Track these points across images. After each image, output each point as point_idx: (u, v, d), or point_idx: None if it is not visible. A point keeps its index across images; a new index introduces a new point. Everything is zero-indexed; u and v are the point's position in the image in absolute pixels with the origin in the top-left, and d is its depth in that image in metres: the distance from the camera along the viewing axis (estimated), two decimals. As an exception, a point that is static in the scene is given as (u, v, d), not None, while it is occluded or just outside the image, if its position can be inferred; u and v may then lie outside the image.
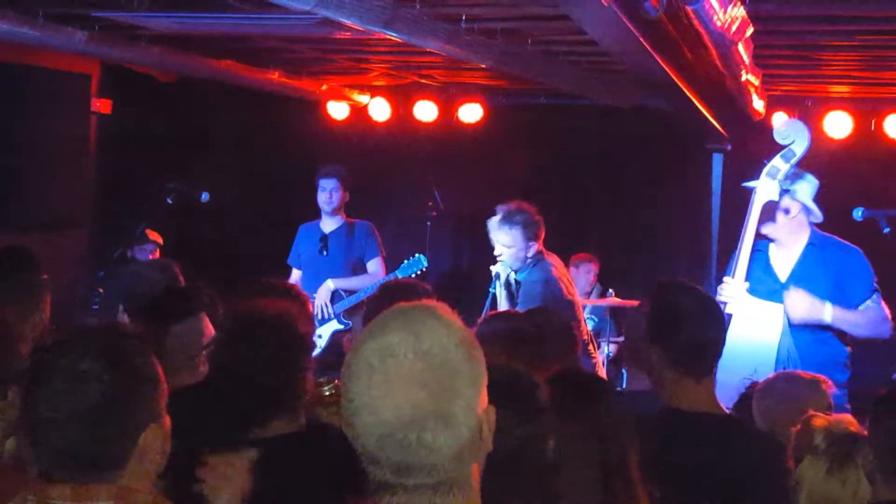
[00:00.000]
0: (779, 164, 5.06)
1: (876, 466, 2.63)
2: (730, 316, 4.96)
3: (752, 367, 4.57)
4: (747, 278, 5.09)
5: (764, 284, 5.12)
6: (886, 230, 5.38)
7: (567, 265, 8.09)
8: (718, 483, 2.80)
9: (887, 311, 5.06)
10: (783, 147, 5.07)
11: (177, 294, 3.91)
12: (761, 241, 5.25)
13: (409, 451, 1.70)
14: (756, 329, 4.93)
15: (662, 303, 3.19)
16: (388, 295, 3.97)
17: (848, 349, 5.08)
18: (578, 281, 7.97)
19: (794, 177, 5.11)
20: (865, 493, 2.74)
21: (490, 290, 6.01)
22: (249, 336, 2.91)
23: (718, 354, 3.13)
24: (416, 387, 1.70)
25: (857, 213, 5.44)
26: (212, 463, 2.74)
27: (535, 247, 5.87)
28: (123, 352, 2.14)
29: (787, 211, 5.12)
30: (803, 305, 4.91)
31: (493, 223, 5.90)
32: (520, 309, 5.52)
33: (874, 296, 5.05)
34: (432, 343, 1.73)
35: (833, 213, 5.55)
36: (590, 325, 7.09)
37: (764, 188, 5.06)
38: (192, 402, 3.10)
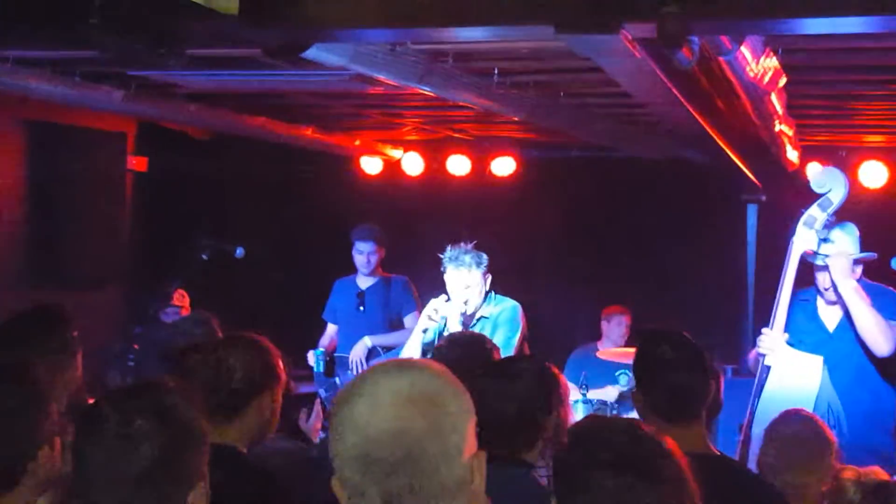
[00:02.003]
0: (816, 213, 5.00)
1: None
2: (768, 368, 4.91)
3: None
4: (794, 328, 5.04)
5: (812, 335, 5.07)
6: (925, 278, 5.32)
7: (600, 318, 8.07)
8: None
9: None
10: (819, 196, 5.03)
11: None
12: (809, 290, 5.20)
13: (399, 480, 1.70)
14: (795, 381, 4.87)
15: (643, 351, 3.24)
16: (458, 347, 4.00)
17: None
18: (611, 333, 7.91)
19: (831, 226, 5.07)
20: None
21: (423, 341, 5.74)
22: None
23: (702, 400, 3.13)
24: (407, 419, 1.71)
25: (895, 263, 5.38)
26: None
27: (489, 279, 5.80)
28: (173, 410, 2.14)
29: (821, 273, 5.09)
30: (843, 264, 4.91)
31: (456, 268, 5.73)
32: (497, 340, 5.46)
33: (893, 321, 5.00)
34: (422, 385, 1.75)
35: (871, 263, 5.50)
36: (624, 381, 7.01)
37: (801, 238, 5.01)
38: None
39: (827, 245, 5.05)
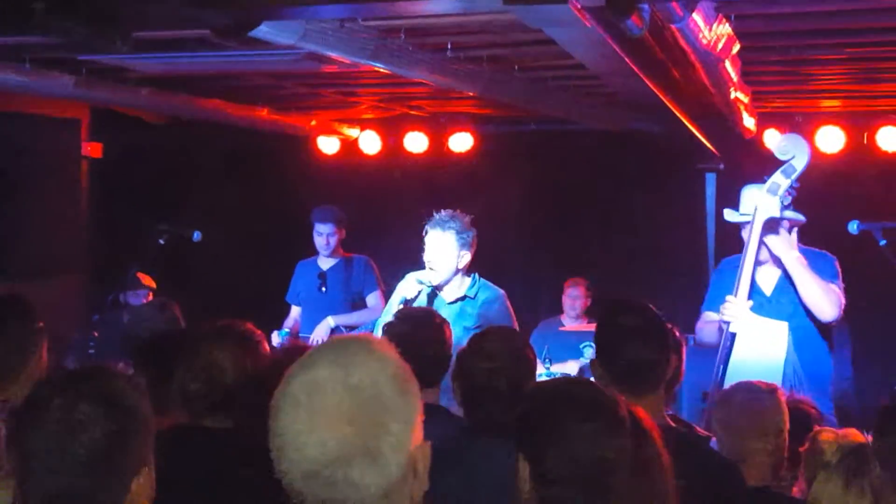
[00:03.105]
0: (779, 180, 5.01)
1: (884, 478, 2.58)
2: (733, 335, 4.92)
3: None
4: (728, 295, 5.06)
5: (751, 299, 5.10)
6: (882, 242, 5.35)
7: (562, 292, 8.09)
8: None
9: (843, 299, 5.04)
10: (783, 163, 5.04)
11: (182, 334, 3.91)
12: (740, 256, 5.24)
13: (334, 489, 1.65)
14: (762, 347, 4.88)
15: (605, 322, 3.22)
16: (408, 323, 3.96)
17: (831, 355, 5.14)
18: (566, 306, 7.94)
19: (794, 192, 5.09)
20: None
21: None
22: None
23: (661, 373, 3.12)
24: (342, 422, 1.66)
25: (853, 227, 5.41)
26: None
27: (467, 259, 5.63)
28: (118, 395, 2.10)
29: (789, 229, 5.12)
30: (781, 240, 4.97)
31: (433, 228, 5.66)
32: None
33: (836, 282, 5.06)
34: (362, 377, 1.69)
35: (828, 227, 5.53)
36: (588, 353, 7.02)
37: (765, 205, 5.02)
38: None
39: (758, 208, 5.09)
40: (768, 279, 5.18)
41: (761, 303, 5.06)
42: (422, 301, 5.59)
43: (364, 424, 1.66)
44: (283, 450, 1.69)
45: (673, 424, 3.15)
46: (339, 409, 1.66)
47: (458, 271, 5.63)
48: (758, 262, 5.14)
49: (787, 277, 5.11)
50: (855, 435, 3.16)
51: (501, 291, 5.73)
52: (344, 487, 1.65)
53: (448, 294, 5.61)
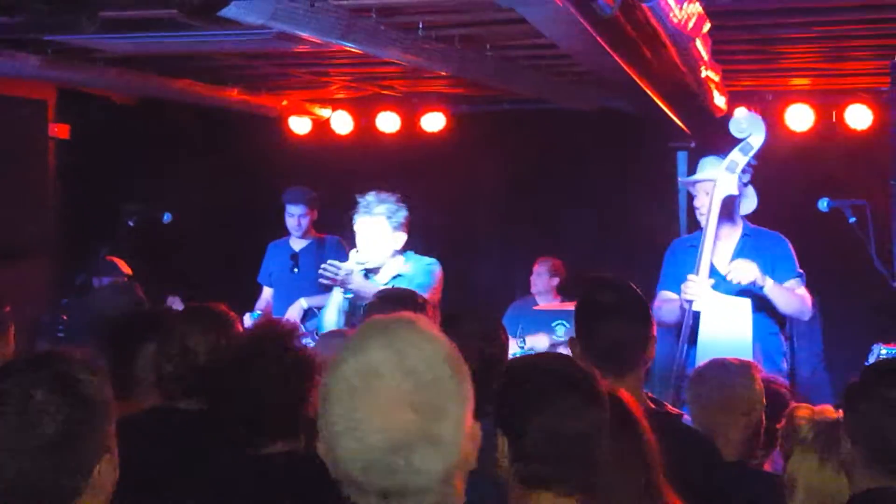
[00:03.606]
0: (737, 158, 5.04)
1: (855, 454, 2.60)
2: (697, 314, 4.95)
3: None
4: (683, 280, 5.09)
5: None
6: (852, 220, 5.40)
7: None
8: None
9: (808, 296, 5.15)
10: (739, 140, 5.06)
11: (145, 315, 3.90)
12: (695, 235, 5.29)
13: (396, 476, 1.61)
14: (728, 325, 4.91)
15: (584, 300, 3.19)
16: (389, 304, 3.94)
17: (786, 341, 5.25)
18: (535, 285, 7.94)
19: (751, 170, 5.13)
20: None
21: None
22: (260, 356, 2.90)
23: (640, 352, 3.10)
24: (403, 408, 1.61)
25: (823, 204, 5.46)
26: None
27: (402, 239, 5.59)
28: (77, 382, 2.07)
29: (697, 208, 5.18)
30: (751, 272, 4.96)
31: (362, 216, 5.57)
32: None
33: (798, 278, 5.15)
34: (418, 360, 1.64)
35: (798, 205, 5.57)
36: (561, 332, 7.03)
37: (723, 183, 5.04)
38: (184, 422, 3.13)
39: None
40: (723, 258, 5.21)
41: (717, 281, 5.10)
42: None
43: (424, 409, 1.62)
44: (338, 438, 1.64)
45: (651, 405, 3.14)
46: (398, 394, 1.62)
47: (394, 253, 5.61)
48: (700, 229, 5.20)
49: (742, 254, 5.17)
50: (830, 412, 3.18)
51: (432, 263, 5.69)
52: (406, 474, 1.61)
53: (382, 275, 5.59)
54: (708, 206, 5.10)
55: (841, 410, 2.97)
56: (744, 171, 5.07)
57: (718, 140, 8.01)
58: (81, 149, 8.20)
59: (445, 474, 1.64)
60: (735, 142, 5.07)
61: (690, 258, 5.16)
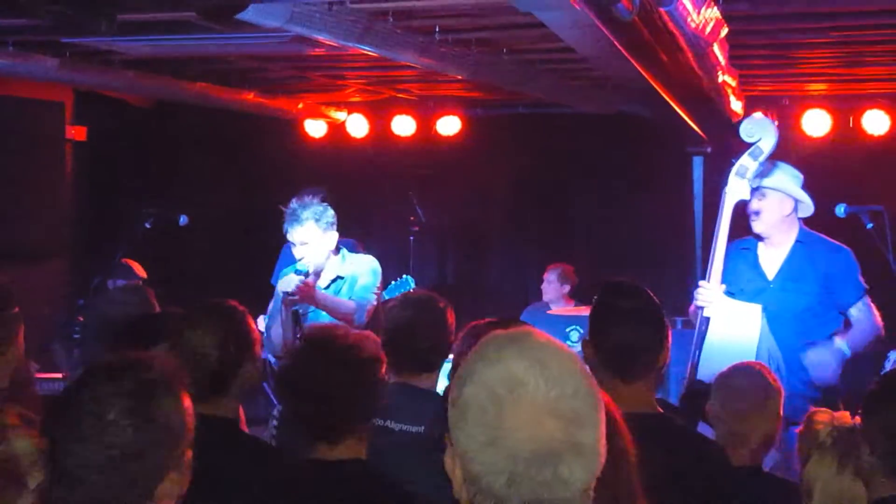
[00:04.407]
0: (747, 163, 5.00)
1: (873, 461, 2.59)
2: (707, 319, 4.92)
3: None
4: (734, 277, 5.05)
5: (752, 283, 5.10)
6: (869, 226, 5.36)
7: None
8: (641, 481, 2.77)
9: (876, 313, 5.06)
10: (749, 145, 5.03)
11: (154, 318, 3.88)
12: (749, 239, 5.23)
13: (542, 488, 1.56)
14: (734, 330, 4.88)
15: (600, 303, 3.17)
16: (411, 307, 3.93)
17: None
18: (547, 291, 7.93)
19: (766, 172, 5.09)
20: None
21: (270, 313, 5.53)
22: (326, 355, 2.95)
23: (651, 357, 3.07)
24: (550, 417, 1.57)
25: (840, 210, 5.41)
26: None
27: (335, 237, 5.54)
28: (153, 398, 2.06)
29: (757, 212, 5.12)
30: (829, 363, 4.93)
31: (291, 225, 5.49)
32: (358, 305, 5.41)
33: (864, 298, 5.06)
34: (559, 370, 1.61)
35: (816, 211, 5.53)
36: (575, 337, 7.03)
37: (734, 188, 5.01)
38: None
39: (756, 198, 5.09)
40: (772, 265, 5.16)
41: (762, 288, 5.07)
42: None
43: (569, 417, 1.58)
44: (480, 451, 1.59)
45: (661, 411, 3.13)
46: (545, 402, 1.58)
47: (330, 253, 5.58)
48: (759, 240, 5.14)
49: (791, 264, 5.11)
50: (848, 418, 3.17)
51: (373, 261, 5.68)
52: (553, 485, 1.57)
53: (322, 280, 5.58)
54: (765, 215, 5.08)
55: (858, 417, 2.96)
56: (756, 176, 5.03)
57: (735, 145, 8.03)
58: (98, 151, 8.24)
59: (587, 484, 1.61)
60: (746, 146, 5.04)
61: (744, 261, 5.14)
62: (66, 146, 8.19)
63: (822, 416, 3.06)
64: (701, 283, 4.98)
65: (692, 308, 5.20)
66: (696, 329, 4.96)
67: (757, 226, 5.15)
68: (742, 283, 5.09)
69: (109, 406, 2.02)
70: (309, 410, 2.92)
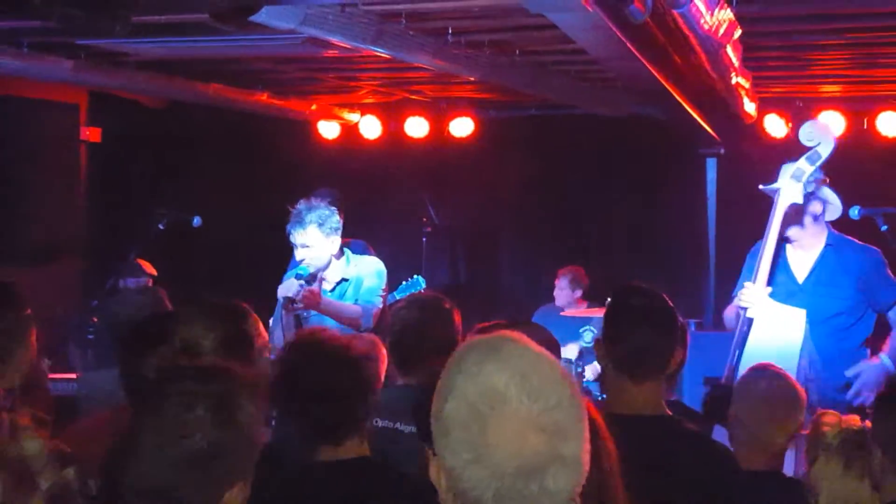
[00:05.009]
0: (804, 167, 4.98)
1: (885, 463, 2.58)
2: (750, 321, 4.91)
3: None
4: (747, 281, 5.04)
5: (782, 286, 5.08)
6: (884, 228, 5.34)
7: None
8: (647, 484, 2.76)
9: None
10: (808, 149, 5.01)
11: (166, 318, 3.88)
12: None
13: (530, 499, 1.57)
14: (778, 334, 4.86)
15: (613, 303, 3.19)
16: (417, 309, 3.93)
17: (868, 350, 5.11)
18: (559, 297, 7.91)
19: (818, 180, 5.06)
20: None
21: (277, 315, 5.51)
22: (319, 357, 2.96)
23: (664, 360, 3.07)
24: (534, 431, 1.57)
25: (854, 212, 5.40)
26: None
27: (338, 242, 5.57)
28: (237, 407, 2.08)
29: (815, 216, 5.10)
30: (877, 377, 4.92)
31: (294, 228, 5.55)
32: (364, 310, 5.42)
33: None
34: (541, 381, 1.60)
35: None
36: (588, 337, 7.02)
37: (788, 190, 4.99)
38: None
39: (816, 202, 5.05)
40: (802, 265, 5.14)
41: (792, 291, 5.06)
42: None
43: (552, 431, 1.58)
44: (466, 467, 1.58)
45: (669, 413, 3.13)
46: (528, 417, 1.57)
47: (332, 257, 5.60)
48: (789, 242, 5.12)
49: (822, 267, 5.09)
50: (857, 420, 3.16)
51: (378, 263, 5.71)
52: (539, 498, 1.57)
53: (327, 283, 5.59)
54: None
55: (868, 420, 2.95)
56: (811, 181, 5.01)
57: (748, 147, 8.02)
58: (112, 152, 8.26)
59: (572, 493, 1.61)
60: (803, 150, 5.01)
61: (772, 262, 5.14)
62: (80, 147, 8.22)
63: (830, 417, 3.06)
64: (746, 284, 4.96)
65: (731, 309, 5.15)
66: (735, 330, 4.94)
67: (787, 229, 5.14)
68: (772, 285, 5.07)
69: (196, 402, 2.04)
70: (307, 412, 2.93)
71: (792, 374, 4.63)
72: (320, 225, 5.50)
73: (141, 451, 2.03)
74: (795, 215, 5.06)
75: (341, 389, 2.91)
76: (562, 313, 7.60)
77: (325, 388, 2.91)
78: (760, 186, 5.11)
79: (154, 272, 6.98)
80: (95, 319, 6.02)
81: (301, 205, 5.58)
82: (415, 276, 7.26)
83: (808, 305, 4.96)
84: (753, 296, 4.90)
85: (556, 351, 3.74)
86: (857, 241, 5.21)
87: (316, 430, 2.93)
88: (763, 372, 3.76)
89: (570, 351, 6.90)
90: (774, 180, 5.06)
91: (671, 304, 3.15)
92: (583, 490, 1.70)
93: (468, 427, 1.59)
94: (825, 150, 4.98)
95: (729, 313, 5.20)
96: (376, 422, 3.65)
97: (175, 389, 2.07)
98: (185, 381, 2.10)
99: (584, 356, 6.86)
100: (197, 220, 6.82)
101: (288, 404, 3.06)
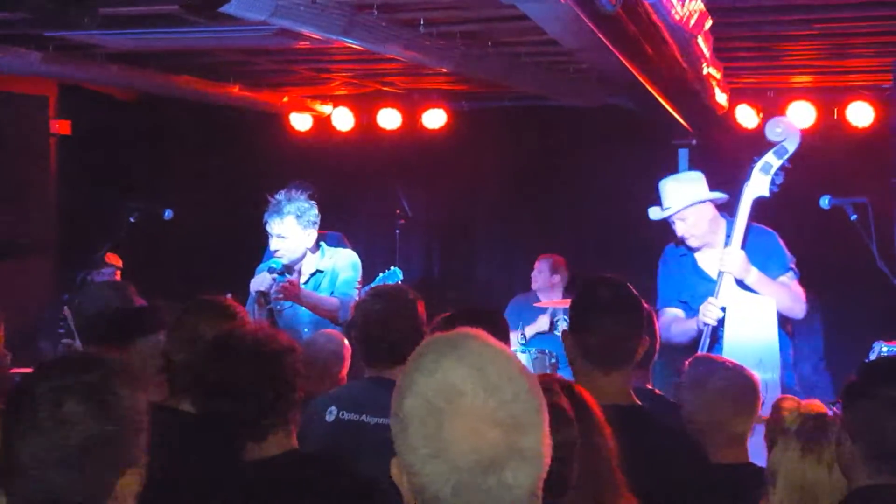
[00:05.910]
0: (772, 161, 5.08)
1: (854, 452, 2.59)
2: (721, 320, 4.94)
3: (757, 359, 4.60)
4: (679, 286, 5.13)
5: (698, 287, 5.13)
6: (853, 217, 5.39)
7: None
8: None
9: (801, 292, 5.12)
10: (775, 143, 5.08)
11: (137, 312, 3.88)
12: (680, 247, 5.26)
13: (488, 495, 1.57)
14: (753, 325, 4.90)
15: (580, 295, 3.24)
16: (381, 300, 3.91)
17: (790, 338, 5.18)
18: (535, 282, 7.92)
19: (781, 174, 5.12)
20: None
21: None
22: (237, 350, 2.91)
23: (633, 350, 3.10)
24: (491, 426, 1.57)
25: (824, 202, 5.45)
26: None
27: (314, 236, 5.58)
28: (109, 393, 2.03)
29: (685, 237, 5.21)
30: (738, 262, 4.95)
31: (271, 218, 5.54)
32: (341, 302, 5.42)
33: (790, 272, 5.13)
34: (498, 376, 1.60)
35: (800, 203, 5.55)
36: (563, 327, 7.04)
37: (755, 183, 5.05)
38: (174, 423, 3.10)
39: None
40: (712, 264, 5.15)
41: (710, 289, 5.05)
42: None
43: (509, 424, 1.58)
44: (424, 462, 1.59)
45: (638, 402, 3.14)
46: (485, 411, 1.58)
47: (307, 250, 5.60)
48: (695, 250, 5.18)
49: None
50: (818, 406, 3.18)
51: (353, 255, 5.73)
52: (499, 492, 1.58)
53: (301, 275, 5.58)
54: (693, 231, 5.12)
55: (836, 407, 2.97)
56: (776, 174, 5.07)
57: (719, 137, 8.05)
58: (83, 145, 8.21)
59: (533, 487, 1.62)
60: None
61: (685, 268, 5.18)
62: (50, 140, 8.16)
63: (789, 402, 3.08)
64: (710, 299, 4.97)
65: (663, 321, 5.11)
66: (699, 342, 4.94)
67: (693, 242, 5.21)
68: (690, 288, 5.18)
69: (67, 396, 1.99)
70: (221, 410, 2.88)
71: (776, 361, 4.72)
72: (298, 217, 5.50)
73: (15, 456, 1.99)
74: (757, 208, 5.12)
75: (251, 384, 2.84)
76: (535, 304, 7.61)
77: (233, 383, 2.85)
78: (651, 216, 5.20)
79: (119, 263, 6.93)
80: (66, 313, 5.98)
81: (281, 195, 5.56)
82: (392, 268, 7.24)
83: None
84: (715, 312, 4.93)
85: (504, 335, 3.78)
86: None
87: (235, 427, 2.88)
88: (712, 364, 3.76)
89: (539, 325, 7.27)
90: (746, 171, 5.09)
91: (636, 294, 3.18)
92: (582, 481, 1.70)
93: (425, 423, 1.59)
94: (792, 145, 5.08)
95: (676, 327, 5.15)
96: (342, 414, 3.65)
97: (42, 388, 2.01)
98: (52, 376, 2.04)
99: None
100: (168, 213, 6.78)
101: (204, 402, 3.01)
